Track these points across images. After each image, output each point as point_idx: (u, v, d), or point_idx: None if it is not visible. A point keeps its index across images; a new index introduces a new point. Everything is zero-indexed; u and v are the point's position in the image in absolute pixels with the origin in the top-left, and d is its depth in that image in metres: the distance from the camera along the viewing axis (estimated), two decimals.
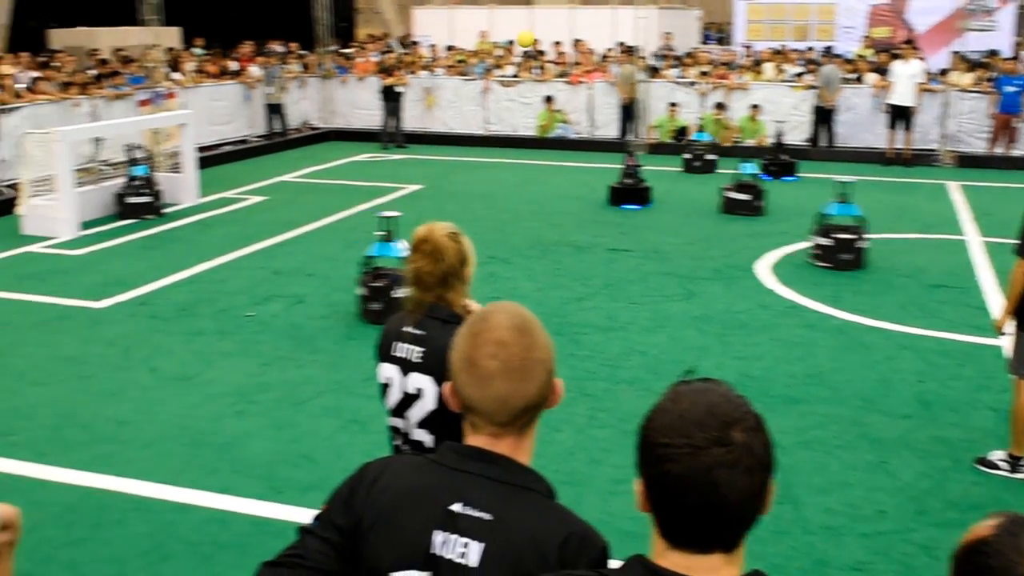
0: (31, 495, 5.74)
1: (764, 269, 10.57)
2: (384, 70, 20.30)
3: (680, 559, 1.63)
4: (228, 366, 7.80)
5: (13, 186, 13.89)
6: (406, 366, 3.28)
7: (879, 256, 10.86)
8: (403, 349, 3.29)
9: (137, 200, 13.40)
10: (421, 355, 3.25)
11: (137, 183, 13.48)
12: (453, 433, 3.05)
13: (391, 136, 20.08)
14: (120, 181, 13.81)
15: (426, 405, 3.25)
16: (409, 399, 3.28)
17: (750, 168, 13.92)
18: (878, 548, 5.15)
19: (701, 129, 19.28)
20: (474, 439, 1.96)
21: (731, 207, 13.43)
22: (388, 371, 3.33)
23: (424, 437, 3.28)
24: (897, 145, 17.84)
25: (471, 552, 1.86)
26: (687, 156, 17.06)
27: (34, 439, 6.48)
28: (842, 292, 9.59)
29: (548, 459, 6.12)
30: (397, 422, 3.35)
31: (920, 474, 5.98)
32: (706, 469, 1.56)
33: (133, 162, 13.76)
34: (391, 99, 19.96)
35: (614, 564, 1.79)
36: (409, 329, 3.29)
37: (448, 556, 1.87)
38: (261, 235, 12.24)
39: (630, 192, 14.14)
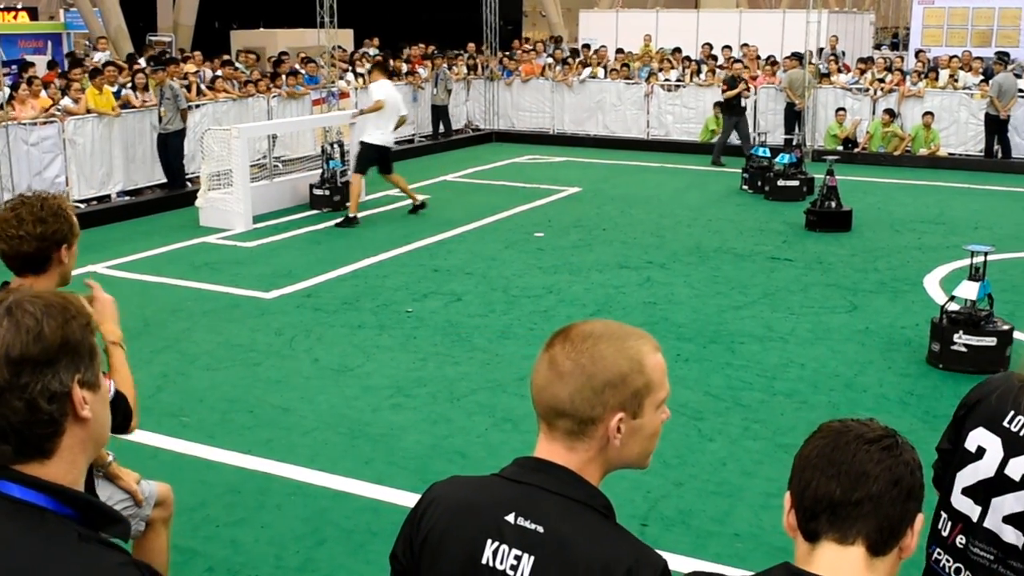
0: (199, 474, 6.03)
1: (933, 283, 10.18)
2: (728, 80, 18.18)
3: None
4: (386, 360, 8.00)
5: (193, 179, 14.61)
6: (1017, 445, 2.67)
7: None
8: (1019, 423, 2.69)
9: (325, 192, 14.02)
10: None
11: (328, 177, 14.07)
12: None
13: (724, 151, 18.19)
14: (294, 176, 14.39)
15: None
16: (1004, 484, 2.68)
17: None
18: None
19: (870, 137, 18.76)
20: (537, 448, 1.91)
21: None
22: (986, 440, 2.73)
23: (1009, 534, 2.67)
24: None
25: (524, 565, 1.81)
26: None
27: (203, 421, 6.80)
28: (1017, 311, 9.14)
29: (700, 468, 6.06)
30: (965, 504, 2.77)
31: None
32: None
33: (328, 157, 14.26)
34: (735, 113, 18.04)
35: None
36: None
37: (500, 567, 1.83)
38: (422, 233, 12.50)
39: (830, 217, 12.74)
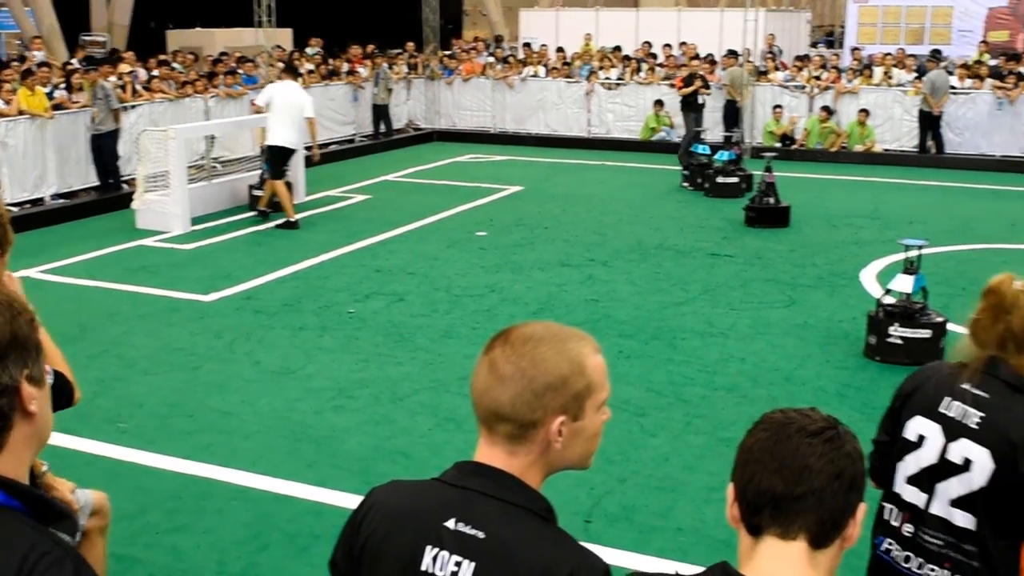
0: (138, 481, 5.94)
1: (870, 277, 10.35)
2: (686, 78, 18.20)
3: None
4: (328, 361, 7.95)
5: (129, 181, 14.40)
6: (955, 429, 2.76)
7: (986, 268, 10.53)
8: (955, 408, 2.77)
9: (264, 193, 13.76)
10: (979, 422, 2.73)
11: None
12: (1001, 516, 2.72)
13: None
14: (233, 178, 14.24)
15: (972, 481, 2.72)
16: (946, 468, 2.77)
17: None
18: None
19: (807, 133, 19.03)
20: (477, 452, 1.90)
21: None
22: (925, 428, 2.81)
23: (959, 518, 2.76)
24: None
25: (464, 571, 1.80)
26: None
27: (142, 427, 6.71)
28: (951, 303, 9.31)
29: (642, 464, 6.10)
30: (910, 493, 2.85)
31: None
32: None
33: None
34: (692, 109, 17.83)
35: (697, 569, 1.79)
36: (968, 387, 2.77)
37: (439, 573, 1.82)
38: (364, 233, 12.43)
39: (769, 213, 12.88)
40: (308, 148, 13.39)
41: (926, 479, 2.80)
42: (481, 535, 1.80)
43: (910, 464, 2.83)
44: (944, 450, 2.76)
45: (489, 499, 1.82)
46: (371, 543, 1.90)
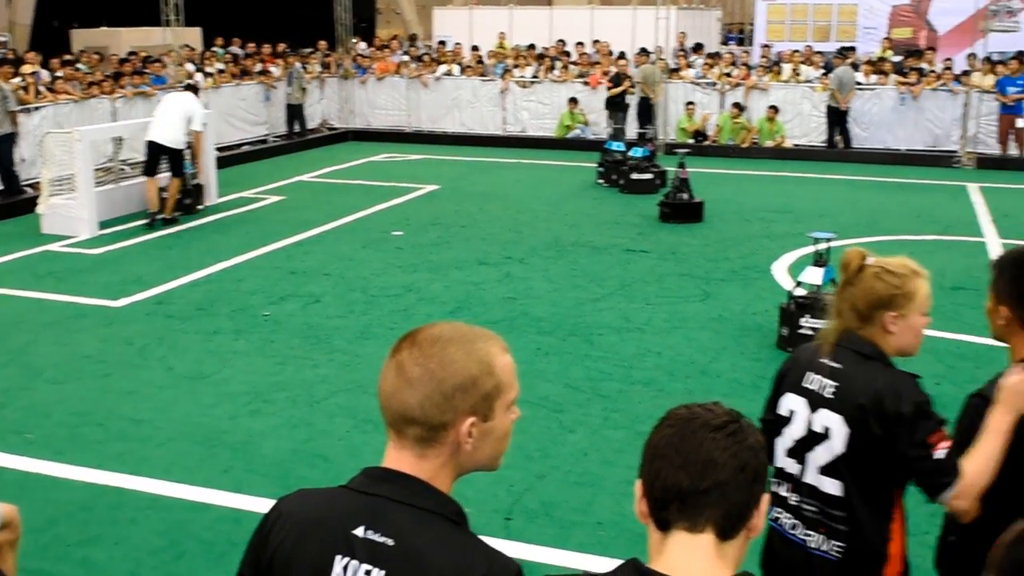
0: (47, 493, 5.78)
1: (781, 270, 10.53)
2: (614, 78, 18.77)
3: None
4: (244, 365, 7.83)
5: (33, 185, 14.01)
6: (815, 401, 2.97)
7: None
8: (815, 381, 2.98)
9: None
10: (834, 391, 2.93)
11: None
12: (865, 481, 2.89)
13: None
14: (143, 180, 13.93)
15: (833, 448, 2.92)
16: (813, 439, 2.97)
17: None
18: None
19: (719, 130, 19.31)
20: (386, 457, 1.87)
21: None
22: (793, 403, 3.03)
23: (827, 485, 2.95)
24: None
25: None
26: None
27: (50, 437, 6.53)
28: None
29: (561, 460, 6.12)
30: (790, 465, 3.04)
31: None
32: None
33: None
34: (619, 109, 18.51)
35: (611, 564, 1.79)
36: (826, 361, 2.98)
37: None
38: (278, 235, 12.28)
39: (683, 208, 13.02)
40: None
41: (799, 450, 3.01)
42: (391, 542, 1.77)
43: (787, 438, 3.04)
44: (809, 422, 2.97)
45: (398, 505, 1.80)
46: (280, 554, 1.86)
